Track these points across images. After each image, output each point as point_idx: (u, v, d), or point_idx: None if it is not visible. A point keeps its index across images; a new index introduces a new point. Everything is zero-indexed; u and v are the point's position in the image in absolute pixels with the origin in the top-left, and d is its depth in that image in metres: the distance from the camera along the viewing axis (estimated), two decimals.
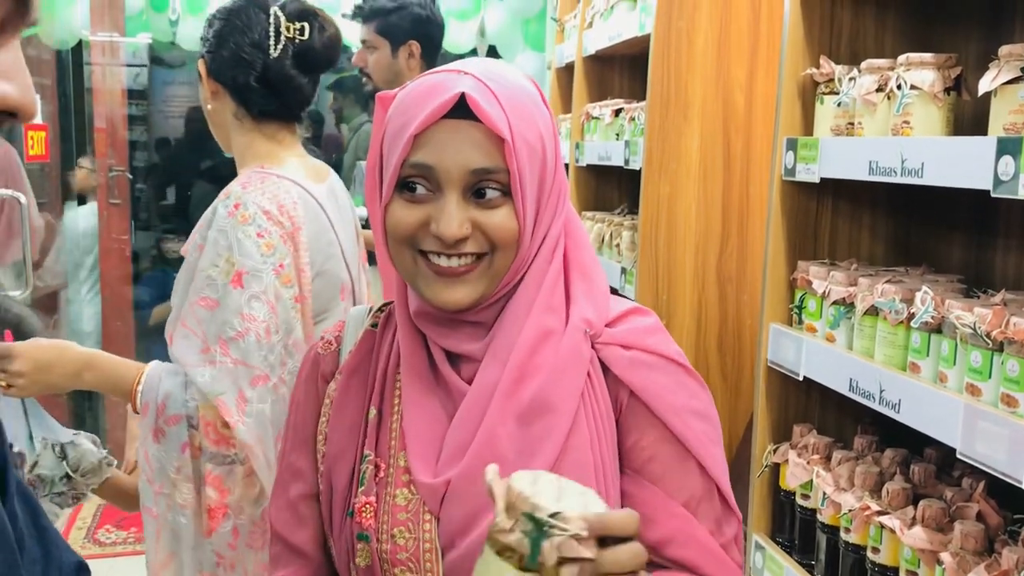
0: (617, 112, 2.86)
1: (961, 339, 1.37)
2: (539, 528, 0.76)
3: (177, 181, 6.61)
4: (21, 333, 1.82)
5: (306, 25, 1.76)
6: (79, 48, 5.05)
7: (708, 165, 2.52)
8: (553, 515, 0.76)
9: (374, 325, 1.19)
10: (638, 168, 2.55)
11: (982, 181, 1.28)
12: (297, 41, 1.74)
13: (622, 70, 3.24)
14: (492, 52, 4.95)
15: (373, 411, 1.13)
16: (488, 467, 0.84)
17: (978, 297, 1.57)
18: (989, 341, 1.31)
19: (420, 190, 1.03)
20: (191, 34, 5.18)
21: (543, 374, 1.06)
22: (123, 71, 5.34)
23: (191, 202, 6.20)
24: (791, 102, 1.84)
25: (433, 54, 3.07)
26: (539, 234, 1.07)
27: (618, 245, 2.77)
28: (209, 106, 1.79)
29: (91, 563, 0.95)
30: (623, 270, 2.67)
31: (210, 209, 1.68)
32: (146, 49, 7.42)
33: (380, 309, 1.21)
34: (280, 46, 1.73)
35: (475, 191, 1.03)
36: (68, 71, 5.09)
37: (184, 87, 7.66)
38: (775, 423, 1.93)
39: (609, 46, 2.93)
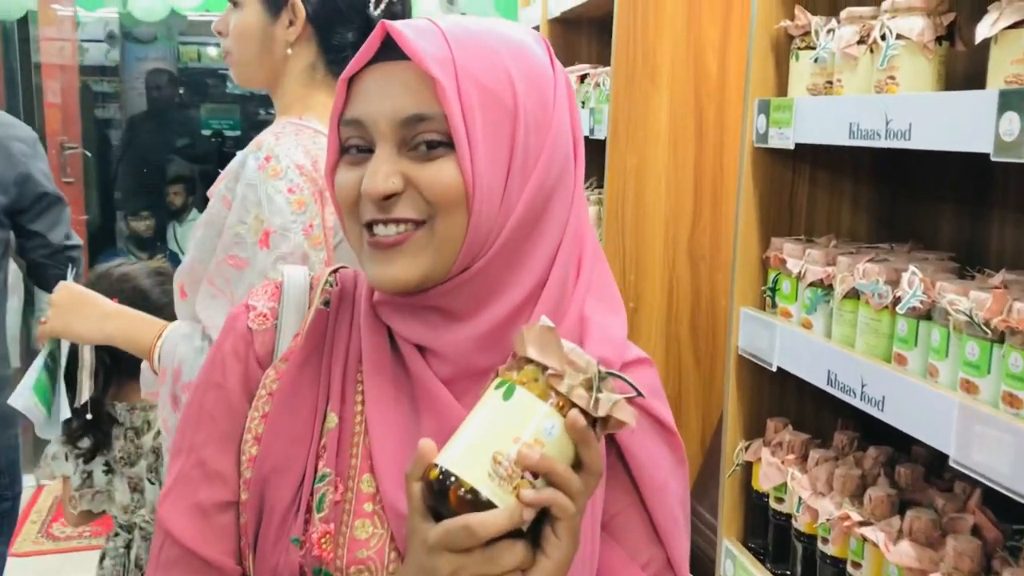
0: (582, 78, 2.65)
1: (955, 327, 1.18)
2: (594, 382, 0.78)
3: (152, 159, 6.38)
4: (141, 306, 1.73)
5: None
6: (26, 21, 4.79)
7: (678, 134, 2.32)
8: (605, 374, 0.78)
9: (326, 303, 0.99)
10: (603, 138, 2.35)
11: (981, 143, 1.08)
12: (395, 4, 1.58)
13: (590, 33, 3.04)
14: None
15: (333, 418, 0.93)
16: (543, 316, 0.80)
17: (973, 278, 1.38)
18: (988, 330, 1.12)
19: (358, 151, 0.89)
20: (146, 4, 4.95)
21: None
22: (75, 44, 5.10)
23: (165, 180, 5.99)
24: (763, 59, 1.64)
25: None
26: (512, 202, 0.88)
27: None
28: (289, 51, 1.56)
29: (44, 558, 0.77)
30: None
31: (238, 159, 1.52)
32: (110, 24, 7.19)
33: (328, 280, 1.00)
34: (383, 4, 1.56)
35: (413, 144, 0.86)
36: (14, 44, 4.83)
37: (157, 63, 7.42)
38: (747, 417, 1.75)
39: (575, 6, 2.73)
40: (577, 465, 0.79)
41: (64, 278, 1.66)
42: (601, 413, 0.78)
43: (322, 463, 0.92)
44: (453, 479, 0.76)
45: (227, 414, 0.96)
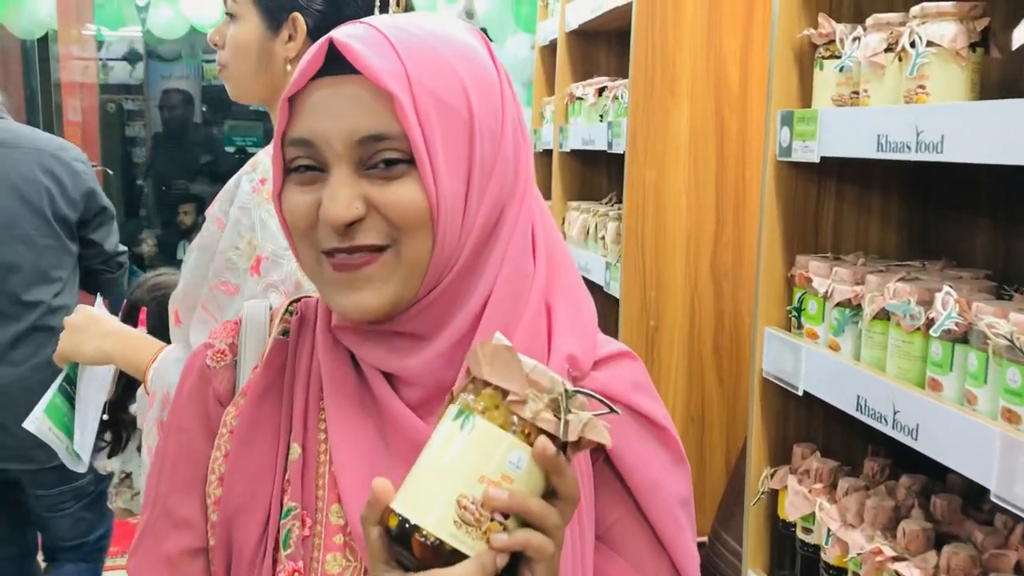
0: (601, 91, 2.60)
1: (994, 352, 1.11)
2: (561, 403, 0.72)
3: (174, 177, 6.40)
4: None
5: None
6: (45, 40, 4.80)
7: (699, 147, 2.26)
8: (572, 392, 0.72)
9: (285, 333, 0.93)
10: (622, 152, 2.29)
11: (1019, 155, 1.01)
12: (404, 7, 1.51)
13: (608, 45, 2.98)
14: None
15: (296, 449, 0.88)
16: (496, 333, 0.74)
17: (1011, 298, 1.31)
18: None
19: (307, 170, 0.82)
20: (165, 22, 4.95)
21: None
22: (96, 63, 5.12)
23: (179, 199, 6.00)
24: (785, 69, 1.57)
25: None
26: (473, 216, 0.84)
27: (603, 237, 2.51)
28: (288, 67, 1.51)
29: None
30: (607, 265, 2.42)
31: (233, 180, 1.47)
32: (133, 43, 7.24)
33: (288, 310, 0.95)
34: (390, 12, 1.48)
35: (370, 164, 0.80)
36: (34, 63, 4.85)
37: (181, 81, 7.46)
38: (772, 442, 1.67)
39: (593, 18, 2.67)
40: (551, 494, 0.73)
41: (115, 284, 1.65)
42: (572, 437, 0.71)
43: (287, 497, 0.87)
44: (414, 527, 0.69)
45: (189, 458, 0.91)
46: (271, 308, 0.97)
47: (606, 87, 2.56)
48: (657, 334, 2.31)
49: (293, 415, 0.89)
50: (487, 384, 0.72)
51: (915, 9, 1.28)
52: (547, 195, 3.08)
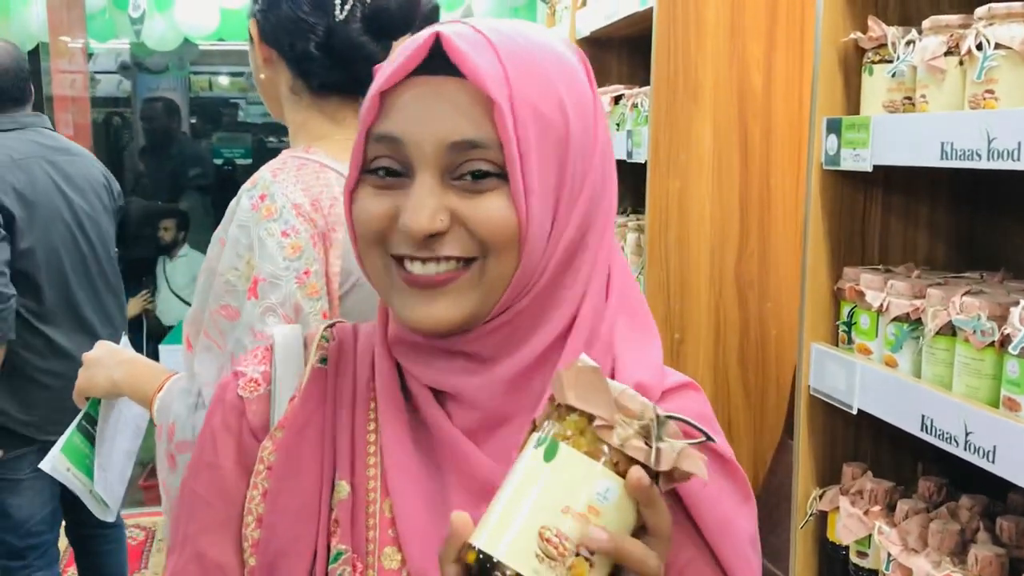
0: (617, 99, 2.54)
1: None
2: (652, 430, 0.66)
3: (164, 189, 6.30)
4: None
5: None
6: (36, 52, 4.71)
7: (722, 155, 2.20)
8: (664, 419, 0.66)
9: (323, 360, 0.87)
10: (643, 161, 2.23)
11: None
12: (368, 1, 1.39)
13: (620, 53, 2.93)
14: None
15: (345, 487, 0.81)
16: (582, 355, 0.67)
17: None
18: None
19: (388, 173, 0.77)
20: (159, 33, 4.87)
21: None
22: (87, 76, 5.03)
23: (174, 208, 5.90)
24: (831, 75, 1.51)
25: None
26: (557, 237, 0.79)
27: (622, 249, 2.45)
28: (262, 75, 1.45)
29: None
30: None
31: (236, 198, 1.39)
32: (122, 55, 7.15)
33: (324, 335, 0.89)
34: (348, 6, 1.37)
35: (458, 174, 0.75)
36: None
37: (169, 94, 7.39)
38: (819, 461, 1.61)
39: (606, 26, 2.62)
40: (640, 529, 0.66)
41: None
42: (665, 467, 0.65)
43: (335, 540, 0.80)
44: (495, 563, 0.63)
45: (223, 496, 0.85)
46: (304, 334, 0.91)
47: (623, 95, 2.50)
48: (682, 346, 2.25)
49: (337, 450, 0.83)
50: (572, 409, 0.66)
51: (981, 10, 1.22)
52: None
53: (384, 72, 0.77)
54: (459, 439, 0.80)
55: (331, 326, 0.90)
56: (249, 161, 7.13)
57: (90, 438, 1.49)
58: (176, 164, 6.48)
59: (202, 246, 5.93)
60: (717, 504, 0.82)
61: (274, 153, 1.45)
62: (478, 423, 0.81)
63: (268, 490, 0.82)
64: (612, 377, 0.81)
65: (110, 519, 1.57)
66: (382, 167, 0.77)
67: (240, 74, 7.77)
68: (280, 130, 7.11)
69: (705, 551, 0.82)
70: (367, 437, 0.83)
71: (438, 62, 0.75)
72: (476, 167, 0.75)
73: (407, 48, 0.76)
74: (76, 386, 1.49)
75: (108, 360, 1.49)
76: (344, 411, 0.84)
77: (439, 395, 0.82)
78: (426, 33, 0.76)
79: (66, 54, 4.86)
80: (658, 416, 0.66)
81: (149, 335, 5.03)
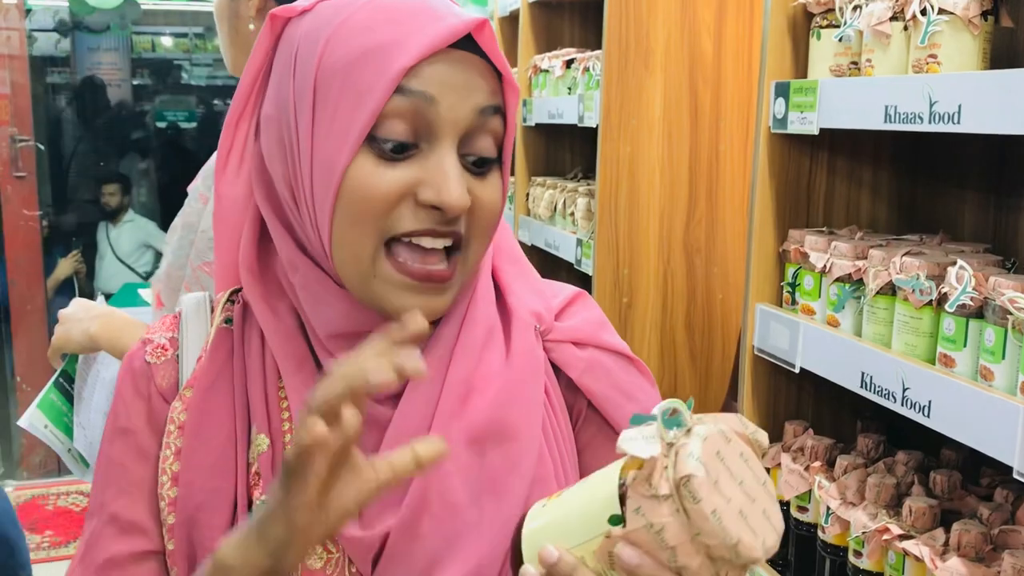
0: (568, 63, 2.54)
1: (1014, 327, 1.09)
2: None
3: (104, 151, 6.16)
4: None
5: None
6: None
7: (673, 121, 2.22)
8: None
9: (228, 321, 0.87)
10: (594, 126, 2.24)
11: None
12: None
13: (572, 16, 2.92)
14: None
15: (264, 440, 0.81)
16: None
17: (1011, 271, 1.30)
18: None
19: (398, 148, 0.75)
20: None
21: (495, 387, 0.81)
22: (24, 34, 4.87)
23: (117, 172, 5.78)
24: (779, 39, 1.53)
25: None
26: None
27: (572, 214, 2.46)
28: (251, 26, 1.40)
29: None
30: (579, 241, 2.37)
31: (215, 152, 1.35)
32: (59, 12, 6.94)
33: (228, 299, 0.89)
34: None
35: (466, 151, 0.77)
36: None
37: (110, 54, 7.19)
38: (763, 420, 1.65)
39: None
40: None
41: None
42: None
43: (257, 492, 0.81)
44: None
45: (137, 458, 0.85)
46: (211, 299, 0.91)
47: (575, 59, 2.50)
48: (630, 311, 2.28)
49: (251, 405, 0.83)
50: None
51: None
52: (511, 170, 3.02)
53: (396, 43, 0.74)
54: (377, 408, 0.80)
55: (236, 291, 0.90)
56: (193, 124, 7.00)
57: (68, 396, 1.46)
58: (119, 128, 6.34)
59: (146, 211, 5.83)
60: (633, 403, 0.86)
61: (220, 116, 1.43)
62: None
63: (181, 448, 0.83)
64: (507, 308, 0.85)
65: (89, 479, 1.55)
66: (391, 140, 0.74)
67: (184, 35, 7.58)
68: (225, 92, 7.00)
69: (605, 427, 0.87)
70: (279, 392, 0.83)
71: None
72: (485, 148, 0.77)
73: (425, 19, 0.75)
74: (52, 343, 1.46)
75: (83, 315, 1.47)
76: (254, 368, 0.84)
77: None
78: (463, 16, 0.76)
79: (2, 10, 4.71)
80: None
81: (82, 296, 4.96)
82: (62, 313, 1.47)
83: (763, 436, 0.68)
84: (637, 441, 0.62)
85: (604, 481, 0.66)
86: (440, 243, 0.76)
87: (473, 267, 0.81)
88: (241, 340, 0.85)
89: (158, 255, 5.12)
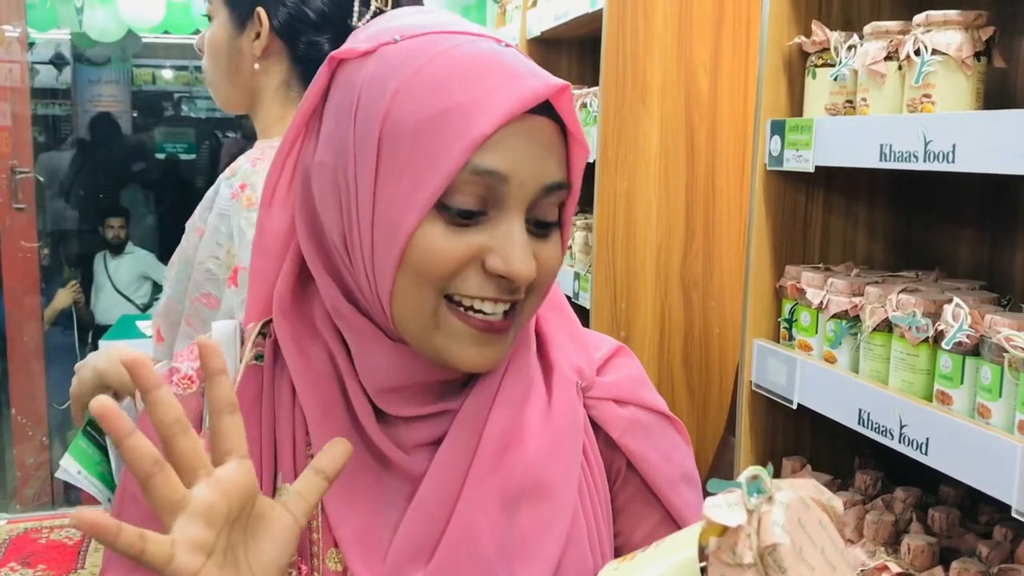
0: None
1: (1010, 365, 1.09)
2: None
3: (106, 184, 6.17)
4: None
5: None
6: None
7: (670, 156, 2.23)
8: None
9: (259, 358, 0.84)
10: (591, 161, 2.25)
11: None
12: (387, 10, 1.37)
13: (571, 54, 2.95)
14: None
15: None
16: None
17: (1007, 308, 1.30)
18: None
19: (466, 215, 0.72)
20: (101, 24, 4.78)
21: (534, 443, 0.79)
22: (26, 66, 4.91)
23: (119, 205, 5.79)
24: (775, 77, 1.55)
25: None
26: None
27: (570, 247, 2.47)
28: (256, 65, 1.40)
29: None
30: (576, 275, 2.38)
31: (213, 187, 1.37)
32: (60, 45, 6.99)
33: (262, 332, 0.85)
34: (369, 14, 1.36)
35: (532, 218, 0.75)
36: None
37: (111, 86, 7.24)
38: (760, 456, 1.65)
39: (556, 26, 2.63)
40: None
41: None
42: None
43: None
44: None
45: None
46: (242, 329, 0.88)
47: (572, 95, 2.52)
48: (628, 344, 2.26)
49: (279, 451, 0.81)
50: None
51: (919, 17, 1.27)
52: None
53: (475, 107, 0.71)
54: (404, 458, 0.79)
55: (268, 323, 0.86)
56: (193, 156, 7.03)
57: (98, 445, 1.44)
58: (118, 159, 6.37)
59: (145, 243, 5.83)
60: (668, 462, 0.85)
61: (218, 149, 1.44)
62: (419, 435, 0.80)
63: None
64: (548, 362, 0.83)
65: None
66: (462, 208, 0.72)
67: (185, 68, 7.64)
68: (225, 125, 7.04)
69: (662, 511, 0.85)
70: (306, 438, 0.81)
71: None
72: (549, 214, 0.75)
73: (504, 81, 0.71)
74: (70, 395, 1.45)
75: (91, 357, 1.47)
76: (284, 412, 0.81)
77: (380, 413, 0.80)
78: (520, 70, 0.72)
79: (3, 43, 4.74)
80: None
81: (80, 327, 4.96)
82: (76, 366, 1.46)
83: (838, 503, 0.67)
84: (721, 508, 0.62)
85: (683, 545, 0.65)
86: (501, 308, 0.75)
87: (527, 321, 0.80)
88: (272, 380, 0.83)
89: (156, 287, 5.12)
